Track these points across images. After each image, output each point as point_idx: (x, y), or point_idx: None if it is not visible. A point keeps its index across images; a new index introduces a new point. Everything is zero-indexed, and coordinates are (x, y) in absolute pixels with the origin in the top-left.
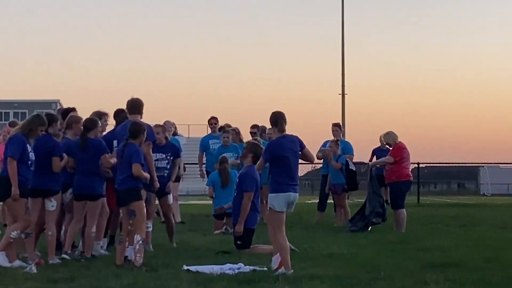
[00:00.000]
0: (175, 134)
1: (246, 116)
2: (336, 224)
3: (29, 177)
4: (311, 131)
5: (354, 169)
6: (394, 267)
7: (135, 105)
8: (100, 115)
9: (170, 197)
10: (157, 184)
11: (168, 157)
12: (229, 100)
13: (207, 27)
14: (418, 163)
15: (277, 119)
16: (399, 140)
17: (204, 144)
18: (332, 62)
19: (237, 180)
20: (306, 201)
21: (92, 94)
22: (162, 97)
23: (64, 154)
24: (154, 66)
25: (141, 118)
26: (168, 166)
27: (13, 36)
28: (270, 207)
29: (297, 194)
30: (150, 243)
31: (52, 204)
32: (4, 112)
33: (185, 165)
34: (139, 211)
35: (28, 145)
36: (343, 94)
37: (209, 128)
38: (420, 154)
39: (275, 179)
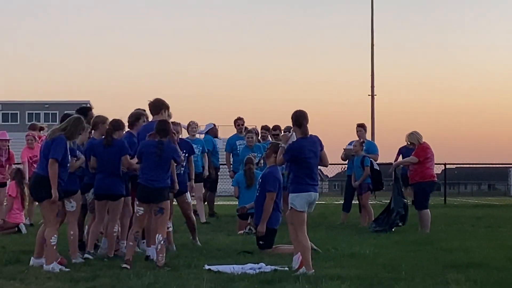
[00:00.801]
0: (215, 136)
1: (274, 117)
2: (361, 225)
3: (65, 180)
4: (340, 132)
5: (378, 169)
6: (416, 268)
7: (158, 106)
8: (139, 115)
9: (188, 195)
10: (177, 186)
11: (183, 153)
12: (257, 102)
13: (235, 29)
14: (445, 164)
15: (301, 120)
16: (423, 140)
17: (231, 145)
18: (362, 63)
19: (260, 180)
20: (334, 202)
21: (121, 95)
22: (190, 98)
23: (81, 155)
24: (183, 67)
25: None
26: (184, 164)
27: (44, 37)
28: (291, 207)
29: (318, 194)
30: (173, 243)
31: (71, 205)
32: (35, 113)
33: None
34: (166, 210)
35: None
36: (372, 95)
37: (235, 129)
38: (449, 155)
39: (296, 179)
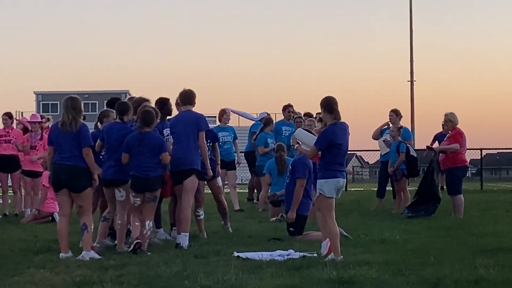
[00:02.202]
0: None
1: (311, 104)
2: (394, 211)
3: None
4: (379, 120)
5: (415, 155)
6: (445, 253)
7: (188, 96)
8: (142, 101)
9: (219, 180)
10: (210, 173)
11: (208, 143)
12: (294, 88)
13: (272, 14)
14: (481, 149)
15: (332, 105)
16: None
17: (276, 130)
18: (401, 48)
19: (290, 167)
20: (372, 188)
21: (160, 85)
22: (225, 88)
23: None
24: (218, 57)
25: (193, 108)
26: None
27: (83, 28)
28: (319, 193)
29: (345, 180)
30: (204, 231)
31: (121, 194)
32: None
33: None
34: (158, 198)
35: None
36: (411, 81)
37: (281, 116)
38: (488, 140)
39: (325, 165)
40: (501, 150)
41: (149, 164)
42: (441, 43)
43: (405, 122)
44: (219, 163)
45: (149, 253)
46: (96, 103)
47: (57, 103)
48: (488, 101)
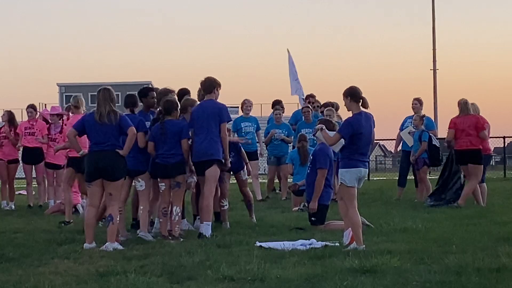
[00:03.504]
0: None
1: (331, 93)
2: (416, 200)
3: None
4: (402, 108)
5: (437, 144)
6: (467, 241)
7: (209, 85)
8: (167, 92)
9: (245, 171)
10: (229, 164)
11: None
12: (315, 78)
13: (289, 6)
14: (504, 137)
15: (359, 94)
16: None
17: (296, 118)
18: (423, 37)
19: (311, 157)
20: (394, 178)
21: (182, 76)
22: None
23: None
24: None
25: (216, 97)
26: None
27: (106, 19)
28: (341, 182)
29: (367, 169)
30: (227, 221)
31: (140, 184)
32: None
33: None
34: (183, 184)
35: None
36: (434, 70)
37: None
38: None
39: (347, 154)
40: None
41: (171, 151)
42: (464, 30)
43: (428, 110)
44: (247, 161)
45: (182, 240)
46: (119, 94)
47: (79, 95)
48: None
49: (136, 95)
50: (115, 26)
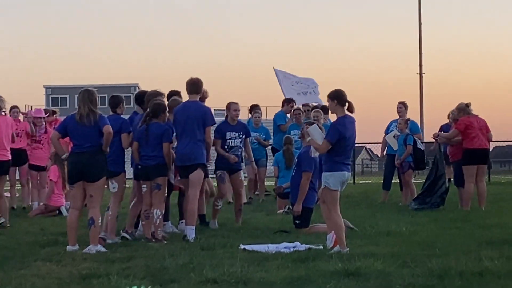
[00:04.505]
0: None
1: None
2: (401, 203)
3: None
4: (388, 112)
5: (422, 148)
6: (451, 245)
7: (195, 85)
8: (156, 95)
9: (242, 174)
10: (234, 158)
11: (241, 136)
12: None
13: (284, 10)
14: (488, 141)
15: (345, 97)
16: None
17: (280, 116)
18: (410, 41)
19: (296, 160)
20: (380, 181)
21: (170, 78)
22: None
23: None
24: (231, 52)
25: (200, 98)
26: (241, 144)
27: (92, 21)
28: (325, 185)
29: (350, 173)
30: (216, 220)
31: (113, 186)
32: None
33: None
34: (163, 186)
35: None
36: (420, 74)
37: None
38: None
39: (331, 158)
40: (510, 143)
41: (152, 153)
42: (450, 35)
43: (414, 114)
44: (253, 159)
45: (165, 242)
46: (105, 96)
47: (66, 97)
48: (497, 93)
49: (121, 96)
50: (102, 28)
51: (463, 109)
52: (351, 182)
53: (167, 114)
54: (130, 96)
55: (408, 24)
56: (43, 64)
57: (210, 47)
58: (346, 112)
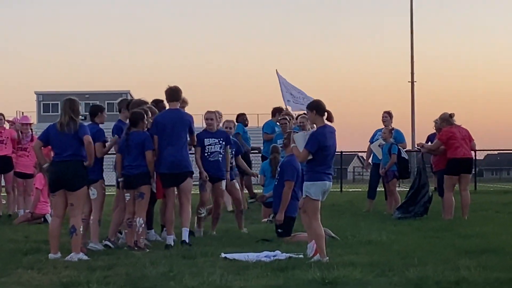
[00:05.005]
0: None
1: None
2: (386, 212)
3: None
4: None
5: (406, 157)
6: (430, 254)
7: (175, 93)
8: (140, 104)
9: (224, 183)
10: (204, 174)
11: (221, 142)
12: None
13: (277, 17)
14: (475, 150)
15: (324, 108)
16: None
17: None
18: (401, 49)
19: (279, 169)
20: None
21: (161, 85)
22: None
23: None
24: (224, 58)
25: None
26: (222, 151)
27: (84, 27)
28: (306, 195)
29: (331, 183)
30: (202, 229)
31: (92, 193)
32: None
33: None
34: (147, 194)
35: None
36: (412, 82)
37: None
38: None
39: (312, 167)
40: (501, 151)
41: (134, 162)
42: (442, 43)
43: (405, 122)
44: (228, 170)
45: (147, 250)
46: (96, 103)
47: (57, 103)
48: (489, 102)
49: (100, 105)
50: (94, 34)
51: (446, 120)
52: (338, 190)
53: (147, 122)
54: None
55: (400, 33)
56: (35, 70)
57: (202, 54)
58: (326, 122)
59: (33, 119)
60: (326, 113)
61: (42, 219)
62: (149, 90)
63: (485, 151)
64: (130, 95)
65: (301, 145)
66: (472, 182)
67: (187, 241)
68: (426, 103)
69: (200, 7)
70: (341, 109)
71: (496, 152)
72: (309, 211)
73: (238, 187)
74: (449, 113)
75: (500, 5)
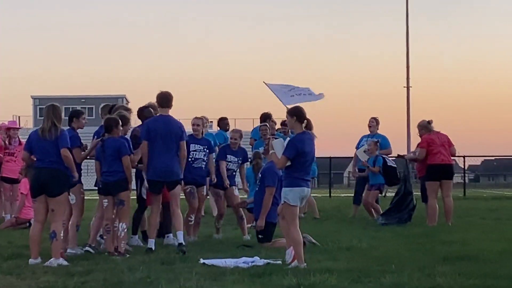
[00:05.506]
0: (226, 130)
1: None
2: (371, 218)
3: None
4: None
5: (393, 165)
6: (408, 260)
7: (167, 99)
8: (118, 109)
9: (205, 188)
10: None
11: (205, 149)
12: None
13: (275, 22)
14: (464, 156)
15: (304, 115)
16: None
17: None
18: (397, 54)
19: (259, 175)
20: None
21: (157, 90)
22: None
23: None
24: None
25: (155, 112)
26: (205, 158)
27: (81, 32)
28: (284, 201)
29: (310, 189)
30: (193, 235)
31: (71, 198)
32: (72, 107)
33: None
34: (127, 201)
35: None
36: (408, 87)
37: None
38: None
39: (291, 173)
40: (498, 157)
41: (111, 169)
42: (438, 49)
43: (401, 128)
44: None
45: (128, 256)
46: (92, 107)
47: (75, 108)
48: (484, 107)
49: (79, 110)
50: (91, 39)
51: (425, 127)
52: (327, 195)
53: (121, 128)
54: None
55: (396, 38)
56: (31, 74)
57: (198, 59)
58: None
59: (30, 123)
60: (305, 121)
61: (28, 224)
62: (145, 95)
63: (482, 157)
64: (126, 99)
65: (280, 151)
66: (462, 188)
67: (183, 243)
68: (422, 108)
69: (199, 11)
70: (337, 115)
71: (493, 157)
72: (287, 217)
73: (237, 194)
74: (427, 120)
75: (496, 11)
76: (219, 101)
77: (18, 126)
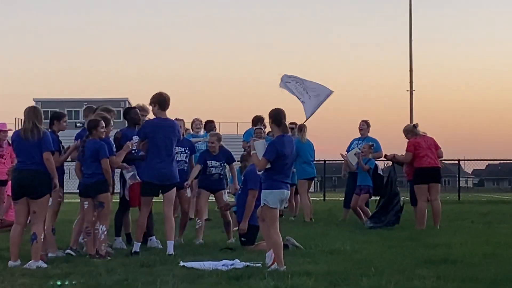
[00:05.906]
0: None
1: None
2: (360, 221)
3: None
4: (378, 128)
5: (382, 174)
6: (389, 263)
7: (166, 101)
8: (106, 111)
9: (189, 191)
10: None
11: (186, 151)
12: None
13: (271, 23)
14: (458, 160)
15: (281, 119)
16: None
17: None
18: (400, 58)
19: (242, 178)
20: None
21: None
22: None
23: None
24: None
25: (142, 113)
26: (187, 160)
27: (83, 35)
28: (263, 203)
29: (289, 191)
30: (200, 238)
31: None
32: (74, 111)
33: None
34: (107, 203)
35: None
36: (411, 91)
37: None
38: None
39: (271, 176)
40: (502, 161)
41: (89, 170)
42: (441, 52)
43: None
44: (192, 176)
45: (109, 258)
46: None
47: (56, 110)
48: (488, 111)
49: (60, 112)
50: (93, 42)
51: (411, 131)
52: (322, 199)
53: (104, 130)
54: (120, 110)
55: (399, 42)
56: (34, 77)
57: (201, 61)
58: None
59: None
60: (281, 124)
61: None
62: (147, 97)
63: (486, 161)
64: (128, 102)
65: (261, 152)
66: (482, 192)
67: (172, 253)
68: (425, 112)
69: (200, 13)
70: (340, 118)
71: (497, 162)
72: (267, 219)
73: (226, 199)
74: (413, 123)
75: (499, 15)
76: (222, 104)
77: (6, 129)
